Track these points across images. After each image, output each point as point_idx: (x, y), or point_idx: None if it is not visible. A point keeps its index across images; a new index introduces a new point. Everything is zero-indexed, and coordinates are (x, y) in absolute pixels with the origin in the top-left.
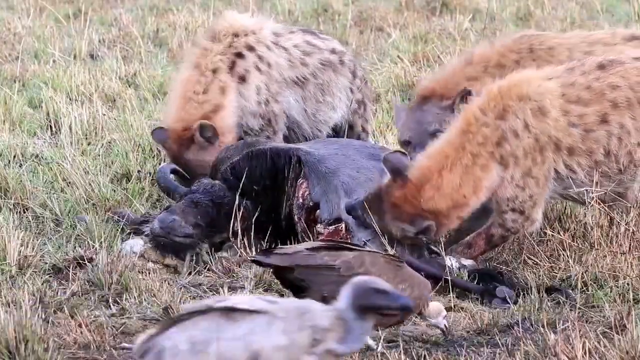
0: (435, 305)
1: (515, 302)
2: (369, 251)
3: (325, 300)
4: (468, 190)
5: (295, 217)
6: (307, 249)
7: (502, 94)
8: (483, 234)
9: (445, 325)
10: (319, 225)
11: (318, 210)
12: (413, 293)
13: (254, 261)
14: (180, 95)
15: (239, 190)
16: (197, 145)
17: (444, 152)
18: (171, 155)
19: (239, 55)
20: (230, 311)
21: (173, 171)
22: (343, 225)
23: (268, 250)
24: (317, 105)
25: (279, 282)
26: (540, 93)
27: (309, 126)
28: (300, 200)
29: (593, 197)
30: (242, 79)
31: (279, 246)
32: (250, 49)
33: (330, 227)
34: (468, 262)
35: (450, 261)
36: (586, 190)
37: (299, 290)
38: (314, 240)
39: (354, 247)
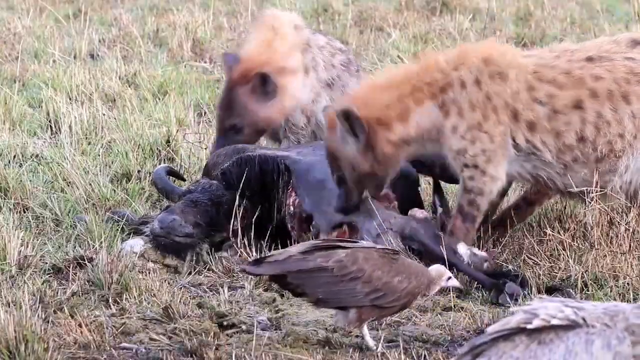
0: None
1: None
2: (363, 247)
3: (320, 302)
4: (394, 113)
5: (289, 225)
6: (300, 252)
7: (470, 53)
8: (455, 212)
9: (453, 285)
10: (321, 235)
11: (314, 222)
12: (411, 284)
13: (243, 271)
14: None
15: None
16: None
17: (391, 77)
18: None
19: (305, 50)
20: (536, 331)
21: (169, 172)
22: (345, 227)
23: (259, 260)
24: None
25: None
26: (507, 64)
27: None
28: (292, 209)
29: (593, 198)
30: (306, 72)
31: (271, 252)
32: (308, 46)
33: (334, 233)
34: (480, 253)
35: (462, 249)
36: (557, 172)
37: (298, 293)
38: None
39: (347, 244)
